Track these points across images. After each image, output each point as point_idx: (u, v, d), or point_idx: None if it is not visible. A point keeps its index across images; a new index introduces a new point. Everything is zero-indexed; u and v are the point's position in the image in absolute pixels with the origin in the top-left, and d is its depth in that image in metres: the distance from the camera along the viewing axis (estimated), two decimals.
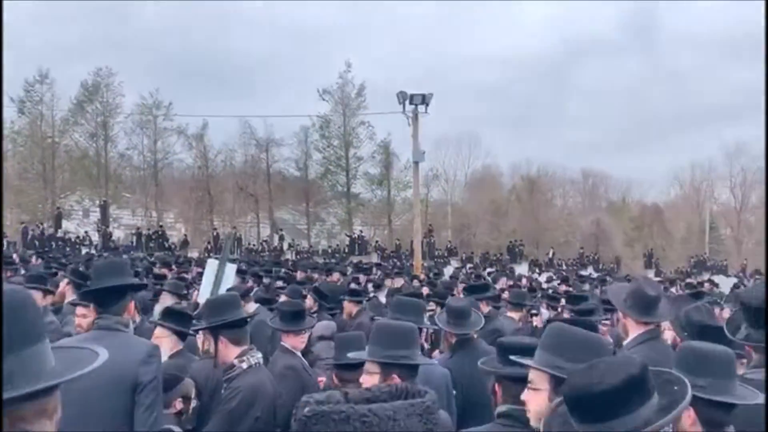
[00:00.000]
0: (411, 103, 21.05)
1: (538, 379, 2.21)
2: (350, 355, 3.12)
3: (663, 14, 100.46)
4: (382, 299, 9.34)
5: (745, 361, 2.97)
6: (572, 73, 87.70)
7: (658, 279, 22.27)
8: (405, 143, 29.43)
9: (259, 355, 3.56)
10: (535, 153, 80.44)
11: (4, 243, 25.13)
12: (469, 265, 31.79)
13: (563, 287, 13.31)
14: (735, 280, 27.15)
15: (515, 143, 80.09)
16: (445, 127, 76.52)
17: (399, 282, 12.41)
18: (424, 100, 20.97)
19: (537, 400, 2.20)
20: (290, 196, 44.59)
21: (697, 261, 42.31)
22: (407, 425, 0.94)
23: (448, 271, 23.67)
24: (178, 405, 3.47)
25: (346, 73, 42.10)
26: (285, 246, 37.75)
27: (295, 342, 4.37)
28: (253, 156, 43.02)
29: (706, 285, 17.23)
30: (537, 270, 30.20)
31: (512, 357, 2.42)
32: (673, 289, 16.38)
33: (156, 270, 12.53)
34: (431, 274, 16.94)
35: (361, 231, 41.94)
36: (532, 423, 2.23)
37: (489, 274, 20.96)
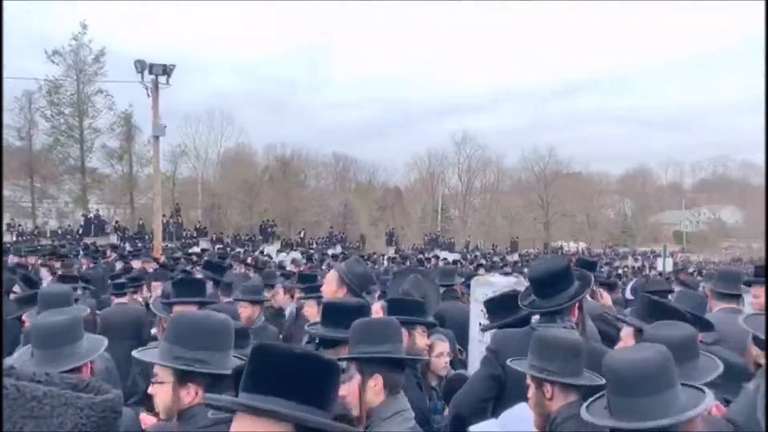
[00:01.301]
0: (151, 73, 19.51)
1: (162, 372, 2.13)
2: None
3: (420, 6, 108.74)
4: None
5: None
6: (331, 58, 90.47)
7: (395, 255, 24.03)
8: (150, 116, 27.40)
9: None
10: (290, 134, 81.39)
11: None
12: (218, 246, 31.00)
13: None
14: (459, 255, 30.47)
15: (270, 123, 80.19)
16: (197, 101, 73.48)
17: (137, 264, 11.53)
18: (165, 70, 19.57)
19: (161, 394, 2.12)
20: (12, 169, 38.76)
21: (431, 239, 46.82)
22: (57, 412, 0.86)
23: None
24: None
25: (81, 35, 37.76)
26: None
27: None
28: None
29: (433, 260, 19.10)
30: (287, 250, 30.61)
31: None
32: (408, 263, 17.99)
33: None
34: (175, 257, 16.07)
35: (98, 210, 38.27)
36: (162, 416, 2.14)
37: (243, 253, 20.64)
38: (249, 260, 13.77)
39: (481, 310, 4.65)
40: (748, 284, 4.00)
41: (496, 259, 31.89)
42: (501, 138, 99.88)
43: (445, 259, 23.99)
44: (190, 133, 48.74)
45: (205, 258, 12.38)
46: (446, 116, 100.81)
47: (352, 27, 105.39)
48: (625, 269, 22.36)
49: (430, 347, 3.56)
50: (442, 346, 3.65)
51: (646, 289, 6.72)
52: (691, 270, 23.65)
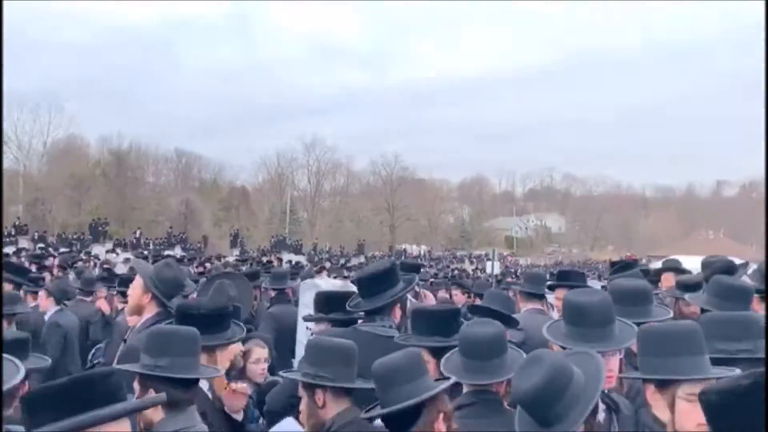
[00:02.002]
0: None
1: None
2: None
3: (268, 6, 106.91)
4: None
5: None
6: (178, 50, 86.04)
7: (240, 259, 23.43)
8: None
9: None
10: (127, 127, 76.08)
11: None
12: (40, 245, 28.18)
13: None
14: (305, 257, 30.39)
15: (106, 114, 74.64)
16: (21, 85, 66.40)
17: None
18: None
19: None
20: None
21: (277, 240, 46.22)
22: None
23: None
24: None
25: None
26: None
27: None
28: None
29: (275, 261, 18.85)
30: (118, 250, 28.59)
31: None
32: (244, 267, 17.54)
33: None
34: None
35: None
36: None
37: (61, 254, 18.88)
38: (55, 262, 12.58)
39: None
40: (552, 288, 4.32)
41: (342, 260, 32.23)
42: (351, 142, 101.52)
43: (289, 261, 23.82)
44: (12, 120, 44.00)
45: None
46: (297, 117, 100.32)
47: (203, 17, 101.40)
48: (456, 272, 23.68)
49: (246, 353, 3.42)
50: (260, 352, 3.53)
51: (473, 291, 7.16)
52: (518, 272, 25.55)
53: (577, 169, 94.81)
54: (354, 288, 3.97)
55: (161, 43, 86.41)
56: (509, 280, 15.52)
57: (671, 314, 3.12)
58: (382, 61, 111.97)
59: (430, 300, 5.06)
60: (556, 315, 4.24)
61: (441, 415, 2.08)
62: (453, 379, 2.23)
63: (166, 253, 28.47)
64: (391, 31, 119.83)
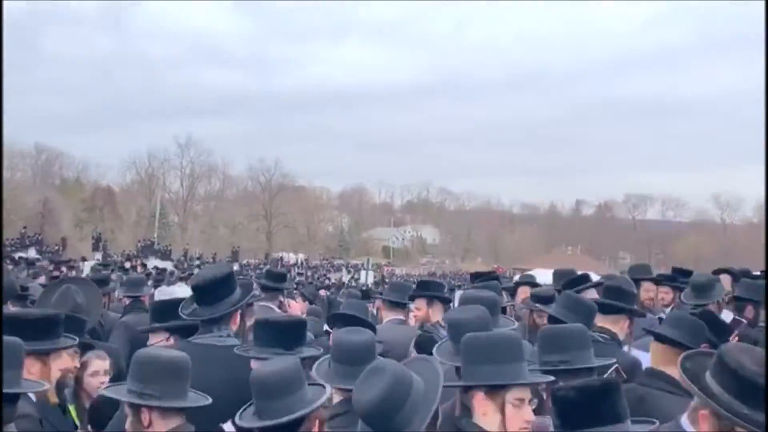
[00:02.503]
0: None
1: None
2: None
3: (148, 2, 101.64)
4: None
5: None
6: (38, 37, 79.51)
7: (100, 263, 22.02)
8: None
9: None
10: None
11: None
12: None
13: None
14: (172, 263, 29.04)
15: None
16: None
17: None
18: None
19: None
20: None
21: (145, 245, 43.86)
22: None
23: None
24: None
25: None
26: None
27: None
28: None
29: (139, 267, 17.86)
30: None
31: None
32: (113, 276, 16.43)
33: None
34: None
35: None
36: None
37: None
38: None
39: None
40: (412, 298, 4.37)
41: None
42: (228, 145, 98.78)
43: (155, 267, 22.65)
44: None
45: None
46: (171, 117, 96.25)
47: (73, 8, 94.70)
48: (334, 281, 23.81)
49: (83, 365, 3.15)
50: (99, 364, 3.25)
51: (346, 299, 7.15)
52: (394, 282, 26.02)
53: (452, 183, 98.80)
54: None
55: (23, 32, 79.55)
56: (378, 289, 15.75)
57: (516, 324, 3.26)
58: (265, 65, 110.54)
59: (294, 309, 4.95)
60: (412, 322, 4.30)
61: (317, 422, 2.10)
62: (329, 391, 2.21)
63: (18, 255, 26.07)
64: (276, 36, 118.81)
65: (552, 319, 3.37)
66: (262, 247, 60.53)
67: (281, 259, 52.99)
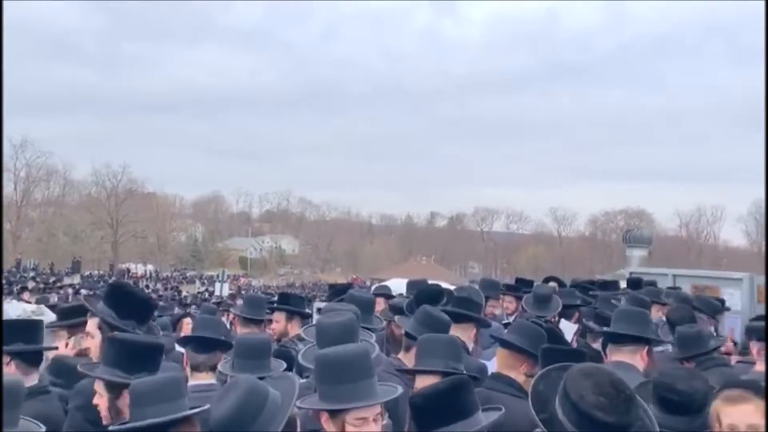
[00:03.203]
0: None
1: None
2: None
3: None
4: None
5: None
6: None
7: None
8: None
9: None
10: None
11: None
12: None
13: None
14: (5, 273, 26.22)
15: None
16: None
17: None
18: None
19: None
20: None
21: None
22: None
23: None
24: None
25: None
26: None
27: None
28: None
29: None
30: None
31: None
32: None
33: None
34: None
35: None
36: None
37: None
38: None
39: None
40: (271, 311, 4.31)
41: (52, 279, 28.92)
42: (71, 148, 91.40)
43: None
44: None
45: None
46: (7, 115, 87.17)
47: None
48: (186, 294, 22.90)
49: None
50: None
51: (200, 314, 6.87)
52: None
53: (312, 194, 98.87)
54: (48, 315, 3.47)
55: None
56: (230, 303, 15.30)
57: (374, 337, 3.32)
58: (116, 63, 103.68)
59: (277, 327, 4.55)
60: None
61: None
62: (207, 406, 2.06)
63: None
64: (129, 35, 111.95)
65: (409, 334, 3.47)
66: (107, 257, 56.66)
67: (128, 270, 49.88)
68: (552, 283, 5.74)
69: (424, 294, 4.31)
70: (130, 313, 2.91)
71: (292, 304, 4.46)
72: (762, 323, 3.95)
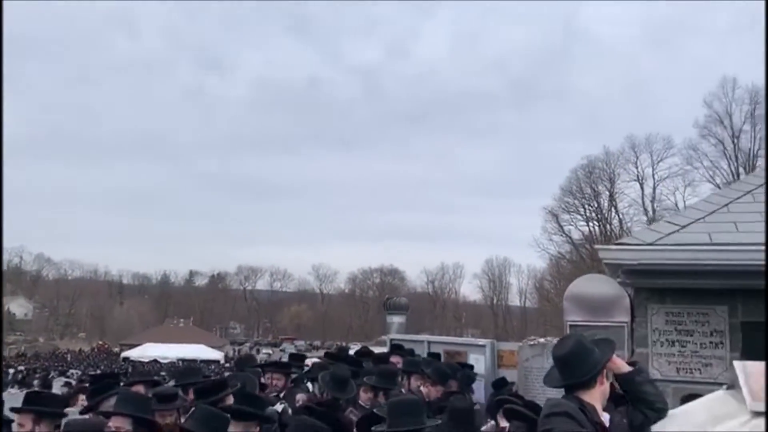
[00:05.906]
0: None
1: None
2: None
3: None
4: None
5: None
6: None
7: None
8: None
9: None
10: None
11: None
12: None
13: None
14: None
15: None
16: None
17: None
18: None
19: None
20: None
21: None
22: None
23: None
24: None
25: None
26: None
27: None
28: None
29: None
30: None
31: None
32: None
33: None
34: None
35: None
36: None
37: None
38: None
39: None
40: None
41: None
42: None
43: None
44: None
45: None
46: None
47: None
48: None
49: None
50: None
51: None
52: None
53: (52, 250, 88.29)
54: None
55: None
56: None
57: None
58: None
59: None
60: None
61: None
62: None
63: None
64: None
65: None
66: None
67: None
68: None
69: (202, 392, 4.15)
70: None
71: (45, 403, 3.87)
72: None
